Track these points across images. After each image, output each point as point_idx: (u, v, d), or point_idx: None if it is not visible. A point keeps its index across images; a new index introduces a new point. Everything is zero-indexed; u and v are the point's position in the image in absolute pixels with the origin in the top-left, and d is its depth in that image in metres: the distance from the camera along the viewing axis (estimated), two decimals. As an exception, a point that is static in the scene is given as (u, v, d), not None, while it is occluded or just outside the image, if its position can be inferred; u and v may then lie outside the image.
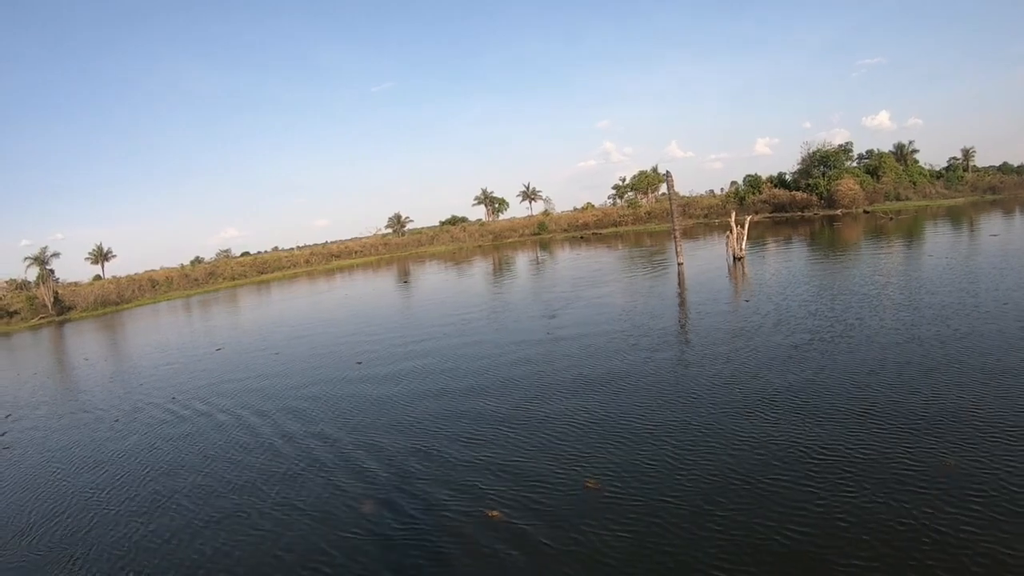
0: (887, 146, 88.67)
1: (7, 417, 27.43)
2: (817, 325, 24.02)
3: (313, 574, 11.03)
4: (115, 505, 15.65)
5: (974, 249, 39.30)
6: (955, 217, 58.54)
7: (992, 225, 50.89)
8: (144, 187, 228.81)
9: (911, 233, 51.15)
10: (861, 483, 11.33)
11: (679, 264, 46.01)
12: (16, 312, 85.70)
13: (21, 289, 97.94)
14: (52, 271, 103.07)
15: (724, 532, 10.42)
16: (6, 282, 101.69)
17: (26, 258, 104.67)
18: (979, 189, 74.79)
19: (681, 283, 40.11)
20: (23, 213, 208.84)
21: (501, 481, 13.56)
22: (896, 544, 9.48)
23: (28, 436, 23.91)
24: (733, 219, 46.42)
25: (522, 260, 76.79)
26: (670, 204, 49.56)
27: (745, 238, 45.99)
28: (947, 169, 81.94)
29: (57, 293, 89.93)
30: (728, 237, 46.47)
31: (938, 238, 47.54)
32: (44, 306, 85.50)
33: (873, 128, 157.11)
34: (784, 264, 42.96)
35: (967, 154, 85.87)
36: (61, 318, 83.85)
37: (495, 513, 12.15)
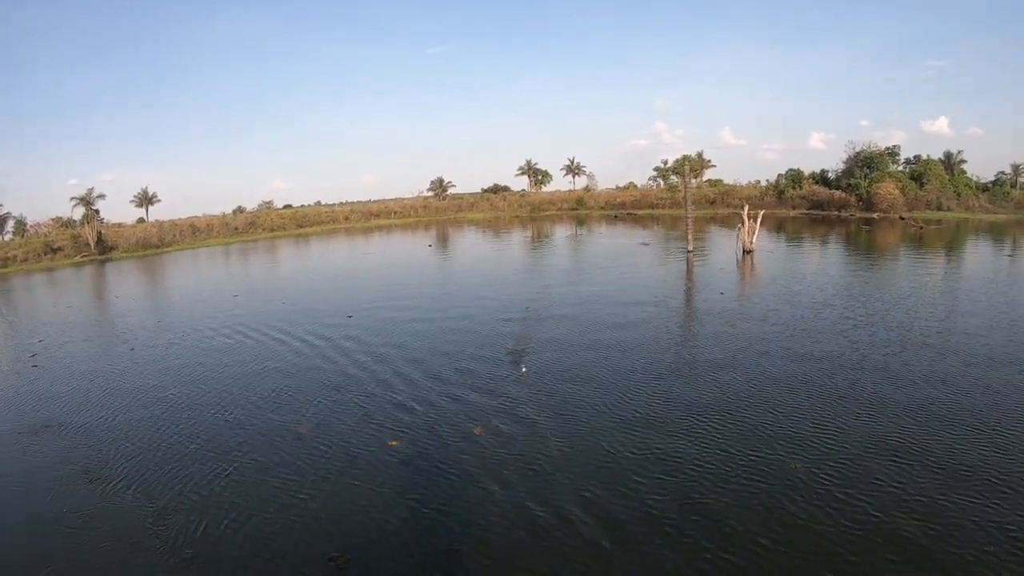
0: (939, 153, 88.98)
1: (40, 341, 33.48)
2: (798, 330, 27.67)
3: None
4: (111, 403, 22.21)
5: (977, 272, 41.15)
6: (990, 234, 59.98)
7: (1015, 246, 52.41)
8: (195, 134, 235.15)
9: (934, 245, 53.16)
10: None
11: (688, 252, 49.12)
12: (60, 249, 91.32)
13: (66, 227, 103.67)
14: (97, 211, 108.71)
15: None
16: (52, 220, 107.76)
17: (72, 198, 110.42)
18: (1023, 207, 75.12)
19: (688, 271, 43.41)
20: (73, 152, 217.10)
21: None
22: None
23: (55, 355, 30.15)
24: (745, 212, 49.14)
25: (544, 234, 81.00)
26: (684, 193, 52.49)
27: (757, 232, 48.60)
28: (994, 183, 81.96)
29: (100, 233, 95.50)
30: (739, 229, 49.12)
31: (955, 255, 49.43)
32: (87, 245, 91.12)
33: (931, 133, 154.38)
34: (794, 263, 45.96)
35: (1017, 170, 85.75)
36: (103, 257, 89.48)
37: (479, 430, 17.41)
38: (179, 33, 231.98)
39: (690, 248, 49.84)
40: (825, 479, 13.68)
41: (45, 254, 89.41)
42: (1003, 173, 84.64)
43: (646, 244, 57.50)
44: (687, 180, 54.13)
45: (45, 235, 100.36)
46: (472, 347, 25.80)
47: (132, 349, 30.13)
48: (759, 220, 49.94)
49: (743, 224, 48.88)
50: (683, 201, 52.88)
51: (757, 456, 14.93)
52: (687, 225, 50.61)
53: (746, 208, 50.30)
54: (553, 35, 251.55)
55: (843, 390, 18.79)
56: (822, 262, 44.96)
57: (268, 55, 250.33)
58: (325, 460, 16.18)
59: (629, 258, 51.40)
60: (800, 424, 16.59)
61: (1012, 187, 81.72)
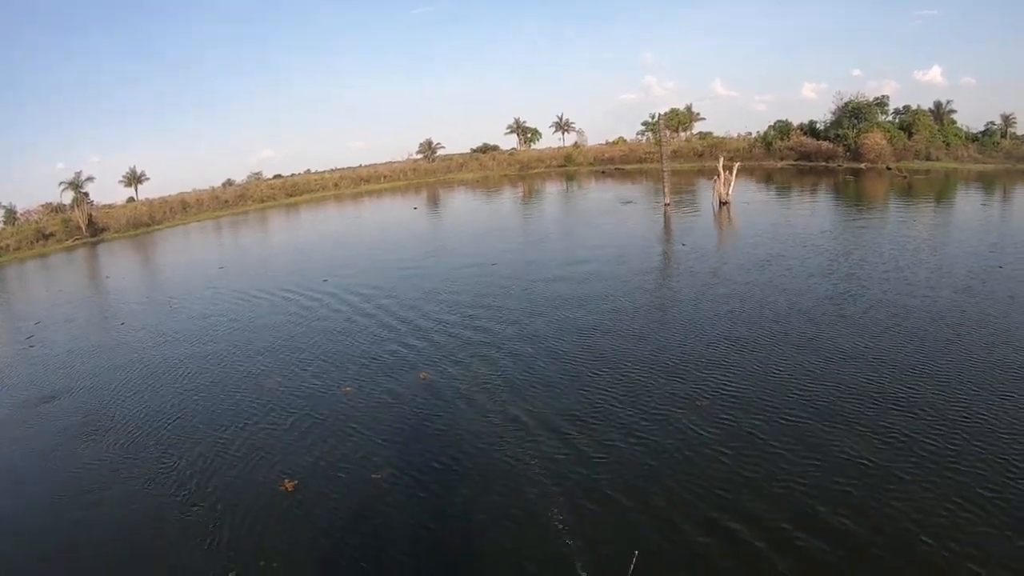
0: (930, 103, 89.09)
1: (36, 324, 35.30)
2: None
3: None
4: (103, 373, 25.23)
5: (948, 221, 42.09)
6: (976, 184, 60.82)
7: (996, 196, 53.23)
8: (181, 109, 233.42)
9: (915, 195, 54.12)
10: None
11: (666, 205, 50.03)
12: (52, 234, 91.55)
13: (57, 212, 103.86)
14: (87, 194, 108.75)
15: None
16: (42, 206, 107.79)
17: (61, 182, 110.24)
18: (1013, 157, 75.46)
19: (667, 224, 44.61)
20: (58, 137, 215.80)
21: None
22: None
23: (50, 336, 32.00)
24: (720, 164, 49.98)
25: (530, 193, 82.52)
26: (660, 147, 53.20)
27: (732, 183, 49.52)
28: (983, 133, 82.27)
29: (91, 215, 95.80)
30: (715, 181, 49.92)
31: (930, 206, 50.46)
32: (78, 228, 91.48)
33: (924, 83, 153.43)
34: (768, 214, 47.13)
35: (1007, 120, 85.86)
36: (95, 239, 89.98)
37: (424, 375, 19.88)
38: (157, 7, 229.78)
39: (667, 201, 50.79)
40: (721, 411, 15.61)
41: (37, 241, 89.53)
42: (992, 123, 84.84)
43: (628, 202, 58.34)
44: (662, 134, 54.81)
45: (36, 222, 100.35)
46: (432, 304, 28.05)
47: (122, 324, 32.23)
48: (734, 172, 50.88)
49: (719, 176, 49.78)
50: (660, 155, 53.38)
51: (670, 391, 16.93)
52: (664, 179, 51.54)
53: (721, 160, 51.28)
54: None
55: (763, 341, 20.40)
56: (795, 213, 46.01)
57: (248, 21, 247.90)
58: (290, 402, 18.87)
59: (610, 216, 52.54)
60: (710, 371, 18.39)
61: (1002, 137, 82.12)
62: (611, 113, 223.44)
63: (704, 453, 13.68)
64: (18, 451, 18.45)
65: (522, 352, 20.90)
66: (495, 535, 12.02)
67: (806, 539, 10.85)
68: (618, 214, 51.91)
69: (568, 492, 12.83)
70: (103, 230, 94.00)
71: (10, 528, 14.37)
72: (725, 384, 17.05)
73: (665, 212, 49.11)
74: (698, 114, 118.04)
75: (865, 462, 12.80)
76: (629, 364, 19.03)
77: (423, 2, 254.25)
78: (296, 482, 14.20)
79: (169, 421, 18.85)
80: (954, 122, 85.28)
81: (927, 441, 13.33)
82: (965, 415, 14.19)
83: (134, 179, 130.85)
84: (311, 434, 16.71)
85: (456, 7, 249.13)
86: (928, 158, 78.37)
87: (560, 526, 11.81)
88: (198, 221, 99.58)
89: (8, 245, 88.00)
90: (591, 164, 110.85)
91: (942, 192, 55.76)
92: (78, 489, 15.50)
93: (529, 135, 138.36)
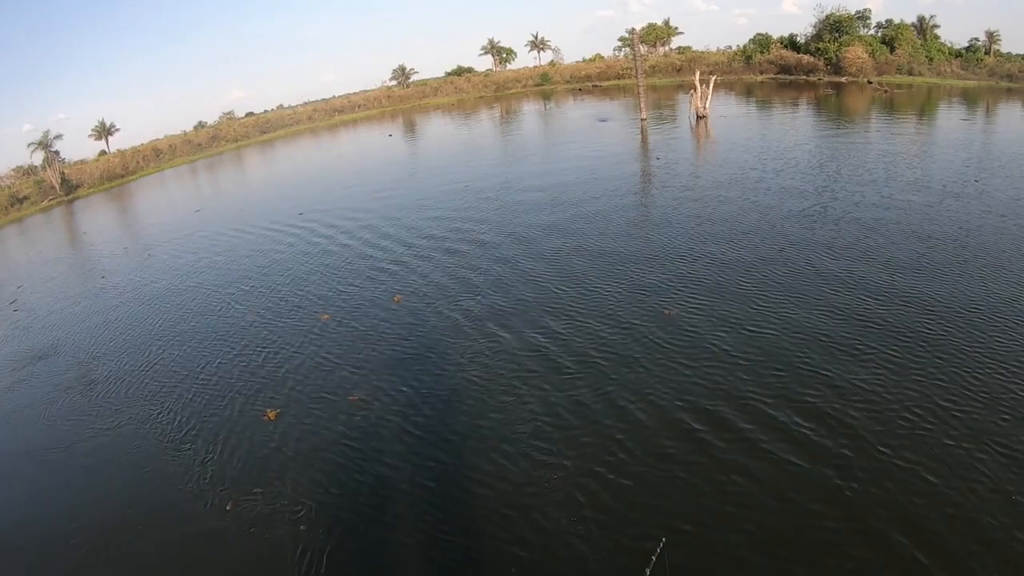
0: (914, 18, 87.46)
1: (19, 287, 34.23)
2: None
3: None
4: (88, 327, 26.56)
5: (927, 136, 41.71)
6: (958, 100, 60.14)
7: (977, 113, 52.67)
8: (146, 55, 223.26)
9: (897, 109, 53.38)
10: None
11: (642, 120, 49.11)
12: (26, 197, 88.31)
13: (28, 175, 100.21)
14: (57, 152, 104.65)
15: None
16: (13, 170, 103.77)
17: (30, 144, 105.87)
18: (996, 75, 74.62)
19: (643, 139, 43.83)
20: (22, 97, 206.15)
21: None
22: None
23: (33, 297, 31.13)
24: (697, 78, 48.92)
25: (506, 113, 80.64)
26: (635, 61, 51.91)
27: (709, 97, 48.53)
28: (967, 49, 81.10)
29: (64, 174, 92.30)
30: (692, 95, 48.95)
31: (910, 120, 49.81)
32: (52, 188, 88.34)
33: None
34: (743, 128, 46.21)
35: (992, 37, 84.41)
36: (70, 197, 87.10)
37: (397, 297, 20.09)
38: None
39: (643, 116, 49.74)
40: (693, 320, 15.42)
41: (12, 206, 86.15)
42: (976, 39, 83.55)
43: (604, 120, 57.12)
44: (636, 49, 53.40)
45: (8, 187, 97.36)
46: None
47: (103, 277, 31.71)
48: (711, 86, 49.77)
49: (695, 90, 48.67)
50: (634, 71, 52.12)
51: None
52: (640, 94, 50.30)
53: (697, 74, 50.18)
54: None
55: (730, 254, 20.16)
56: (773, 127, 45.32)
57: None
58: (269, 335, 19.20)
59: (586, 133, 51.42)
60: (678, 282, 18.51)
61: (986, 54, 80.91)
62: (588, 30, 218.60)
63: (669, 364, 13.64)
64: (15, 409, 18.28)
65: (493, 270, 20.80)
66: (471, 446, 12.20)
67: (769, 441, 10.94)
68: (594, 131, 50.74)
69: (544, 401, 13.11)
70: (77, 187, 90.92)
71: (15, 480, 14.51)
72: (691, 295, 16.92)
73: (641, 127, 48.10)
74: (676, 28, 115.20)
75: (826, 372, 12.69)
76: (597, 278, 18.92)
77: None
78: (278, 411, 14.57)
79: (155, 366, 18.86)
80: (937, 37, 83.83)
81: (890, 353, 13.21)
82: (929, 329, 14.04)
83: (104, 131, 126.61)
84: (289, 364, 16.94)
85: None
86: (910, 73, 77.28)
87: (536, 439, 12.00)
88: (173, 167, 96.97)
89: None
90: (568, 82, 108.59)
91: (923, 107, 55.03)
92: (76, 437, 15.63)
93: (504, 55, 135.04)
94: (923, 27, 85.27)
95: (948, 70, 77.23)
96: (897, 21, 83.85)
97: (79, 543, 11.49)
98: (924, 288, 15.94)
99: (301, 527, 10.73)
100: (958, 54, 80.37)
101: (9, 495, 13.79)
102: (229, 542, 10.76)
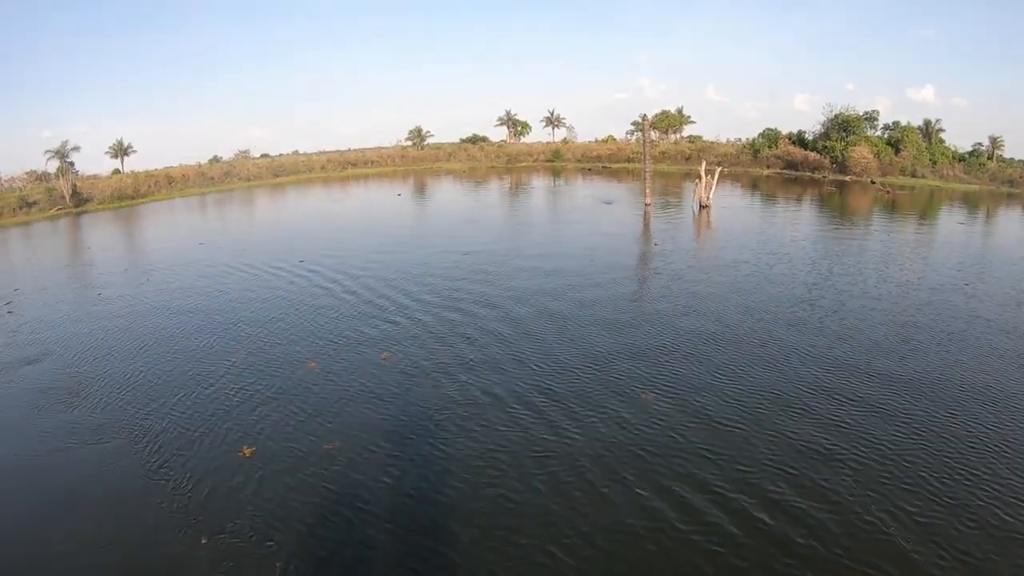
0: (920, 121, 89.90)
1: (16, 291, 34.83)
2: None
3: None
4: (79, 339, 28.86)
5: (924, 238, 42.78)
6: (959, 203, 61.49)
7: (976, 217, 53.80)
8: (170, 83, 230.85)
9: (898, 210, 54.72)
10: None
11: (646, 205, 50.29)
12: (35, 203, 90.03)
13: (41, 181, 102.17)
14: (72, 163, 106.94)
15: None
16: (26, 173, 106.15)
17: (47, 151, 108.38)
18: (997, 180, 76.24)
19: (646, 224, 44.91)
20: (46, 104, 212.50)
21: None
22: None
23: (29, 303, 31.58)
24: (703, 168, 50.26)
25: (515, 187, 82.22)
26: (644, 147, 53.41)
27: (713, 188, 49.78)
28: (970, 154, 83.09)
29: (75, 186, 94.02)
30: (696, 185, 50.24)
31: (910, 222, 50.95)
32: (62, 198, 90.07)
33: (917, 101, 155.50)
34: (743, 220, 47.23)
35: (995, 142, 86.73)
36: (78, 210, 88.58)
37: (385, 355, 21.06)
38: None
39: (648, 201, 51.01)
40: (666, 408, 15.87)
41: (20, 208, 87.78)
42: (980, 144, 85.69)
43: (609, 203, 58.24)
44: (646, 135, 55.09)
45: (20, 189, 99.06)
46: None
47: (100, 294, 32.06)
48: (716, 177, 51.11)
49: (700, 180, 49.99)
50: (642, 156, 53.66)
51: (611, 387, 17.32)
52: (645, 179, 51.69)
53: (703, 164, 51.62)
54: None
55: (696, 346, 21.00)
56: (773, 221, 46.32)
57: (246, 3, 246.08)
58: (255, 375, 19.50)
59: (590, 213, 52.80)
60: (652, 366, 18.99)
61: (988, 158, 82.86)
62: (603, 111, 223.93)
63: (637, 450, 13.98)
64: (1, 411, 18.62)
65: (480, 340, 21.20)
66: (440, 502, 12.56)
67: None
68: (598, 212, 51.91)
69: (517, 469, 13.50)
70: (87, 201, 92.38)
71: None
72: (668, 383, 17.32)
73: (645, 212, 49.26)
74: (688, 117, 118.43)
75: (791, 470, 13.03)
76: (578, 358, 19.31)
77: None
78: (254, 448, 14.87)
79: (139, 388, 19.20)
80: (942, 141, 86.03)
81: (858, 455, 13.56)
82: (899, 434, 14.36)
83: (120, 151, 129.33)
84: (270, 404, 17.28)
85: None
86: (914, 175, 79.03)
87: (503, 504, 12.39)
88: (183, 196, 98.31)
89: None
90: (579, 161, 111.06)
91: (924, 209, 56.31)
92: (53, 447, 15.94)
93: (519, 128, 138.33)
94: (929, 130, 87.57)
95: (951, 173, 79.04)
96: (904, 123, 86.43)
97: (46, 551, 11.78)
98: (898, 395, 16.24)
99: (270, 561, 11.08)
100: (961, 158, 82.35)
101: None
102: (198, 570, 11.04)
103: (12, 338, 25.54)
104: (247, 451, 14.77)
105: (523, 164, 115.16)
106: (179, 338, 23.74)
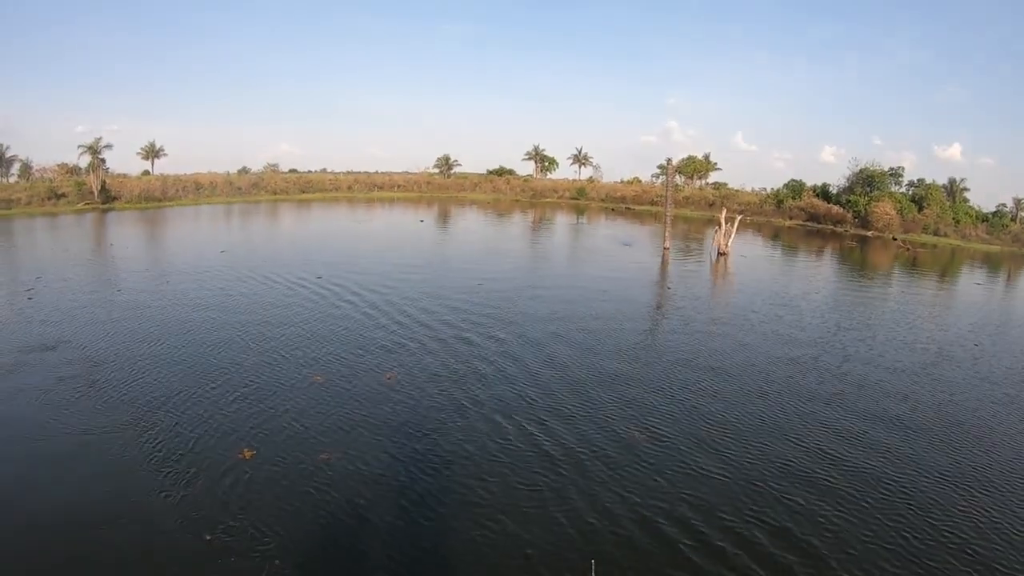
0: (947, 178, 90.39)
1: (37, 279, 35.91)
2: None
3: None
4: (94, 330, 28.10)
5: (940, 299, 43.06)
6: (980, 264, 61.64)
7: (995, 278, 54.02)
8: (205, 91, 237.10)
9: (917, 268, 54.88)
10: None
11: (664, 249, 51.08)
12: (64, 195, 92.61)
13: (71, 174, 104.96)
14: (103, 160, 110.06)
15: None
16: (58, 166, 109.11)
17: (80, 145, 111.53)
18: (1020, 241, 76.20)
19: (663, 267, 45.69)
20: (82, 100, 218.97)
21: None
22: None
23: (49, 292, 32.60)
24: (723, 216, 50.88)
25: (537, 222, 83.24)
26: (666, 191, 54.31)
27: (732, 236, 50.42)
28: (994, 214, 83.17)
29: (105, 182, 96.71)
30: (716, 232, 50.94)
31: (928, 281, 51.22)
32: (91, 193, 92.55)
33: (943, 159, 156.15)
34: (759, 269, 47.89)
35: (1019, 204, 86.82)
36: (105, 206, 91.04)
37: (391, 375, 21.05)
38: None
39: (666, 246, 51.77)
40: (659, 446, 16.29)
41: (48, 199, 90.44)
42: (1004, 205, 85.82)
43: (628, 245, 59.01)
44: (670, 180, 56.00)
45: (50, 180, 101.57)
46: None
47: (119, 290, 33.12)
48: (735, 225, 51.77)
49: (720, 227, 50.70)
50: (663, 200, 54.58)
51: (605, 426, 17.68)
52: (666, 223, 52.55)
53: (723, 212, 52.29)
54: (570, 25, 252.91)
55: (693, 391, 21.45)
56: (789, 272, 46.86)
57: (287, 19, 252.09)
58: (262, 382, 20.03)
59: (609, 253, 53.87)
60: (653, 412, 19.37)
61: (1012, 220, 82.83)
62: (630, 152, 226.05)
63: (621, 490, 14.27)
64: (17, 392, 19.27)
65: (482, 368, 21.69)
66: (438, 516, 13.01)
67: None
68: (617, 252, 52.63)
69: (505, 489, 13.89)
70: (115, 198, 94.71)
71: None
72: (661, 425, 17.65)
73: (663, 256, 50.01)
74: (715, 164, 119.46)
75: (770, 521, 13.27)
76: (575, 396, 19.65)
77: (456, 20, 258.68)
78: (254, 452, 15.42)
79: (149, 383, 19.90)
80: (966, 200, 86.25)
81: (837, 513, 13.79)
82: (879, 497, 14.51)
83: (152, 153, 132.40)
84: (274, 412, 17.83)
85: (488, 29, 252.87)
86: (936, 233, 79.18)
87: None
88: (209, 204, 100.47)
89: (20, 199, 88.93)
90: (603, 200, 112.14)
91: (943, 268, 56.54)
92: (64, 430, 16.63)
93: (546, 163, 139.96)
94: (953, 189, 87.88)
95: (973, 233, 79.16)
96: (929, 181, 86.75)
97: (46, 532, 12.35)
98: (886, 456, 16.44)
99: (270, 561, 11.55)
100: (984, 218, 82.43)
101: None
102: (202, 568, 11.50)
103: (32, 325, 26.39)
104: (247, 453, 15.34)
105: (547, 200, 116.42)
106: (191, 339, 24.56)
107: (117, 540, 12.17)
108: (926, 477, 15.45)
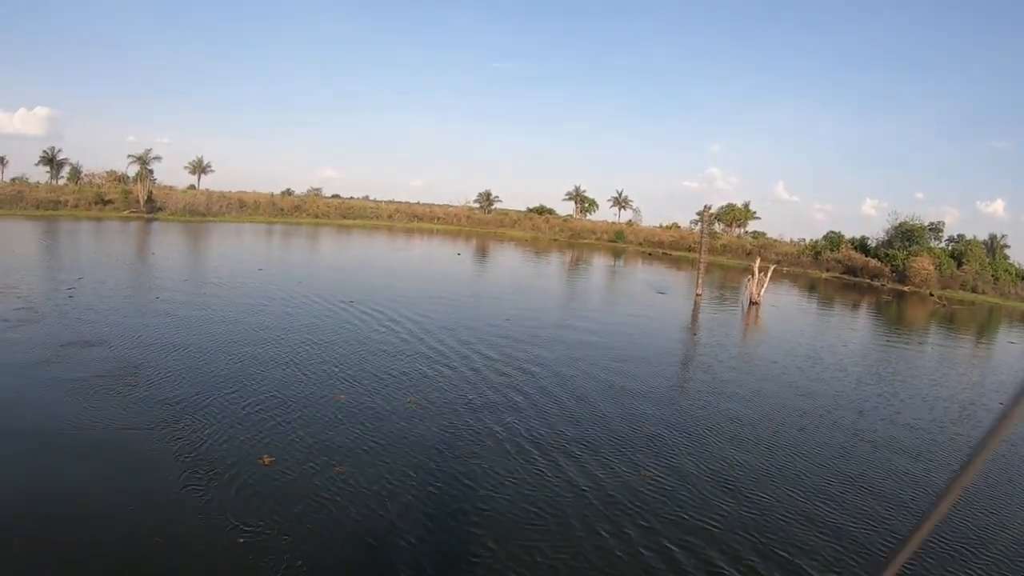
0: (986, 235, 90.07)
1: (79, 279, 38.24)
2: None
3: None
4: (131, 332, 27.92)
5: (971, 356, 43.27)
6: (1017, 322, 61.43)
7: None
8: (255, 111, 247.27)
9: (954, 325, 55.02)
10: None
11: (697, 295, 52.02)
12: (111, 201, 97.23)
13: (120, 182, 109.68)
14: (151, 171, 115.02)
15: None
16: (107, 172, 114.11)
17: (129, 155, 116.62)
18: (1060, 299, 75.75)
19: (695, 314, 46.53)
20: (135, 111, 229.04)
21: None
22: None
23: (90, 292, 34.76)
24: (756, 266, 51.72)
25: (572, 260, 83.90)
26: (701, 238, 55.31)
27: (765, 285, 51.15)
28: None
29: (151, 192, 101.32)
30: (749, 281, 51.77)
31: (962, 339, 51.31)
32: (136, 201, 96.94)
33: (986, 215, 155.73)
34: (791, 321, 48.28)
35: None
36: (150, 216, 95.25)
37: (411, 399, 22.33)
38: (254, 9, 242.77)
39: (699, 292, 52.69)
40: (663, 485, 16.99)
41: (95, 204, 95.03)
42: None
43: (663, 293, 59.82)
44: (705, 227, 57.05)
45: (98, 186, 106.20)
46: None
47: (157, 297, 34.90)
48: (768, 274, 52.51)
49: (753, 276, 51.53)
50: (699, 247, 55.62)
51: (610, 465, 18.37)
52: (699, 270, 53.55)
53: (757, 261, 53.17)
54: (617, 68, 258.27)
55: (701, 437, 22.01)
56: (820, 325, 47.29)
57: (338, 45, 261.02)
58: (286, 395, 20.80)
59: (642, 297, 55.04)
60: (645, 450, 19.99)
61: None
62: (672, 197, 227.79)
63: (628, 528, 14.58)
64: (55, 383, 20.52)
65: (499, 399, 22.32)
66: (443, 528, 13.51)
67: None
68: (650, 297, 53.52)
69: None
70: (160, 209, 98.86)
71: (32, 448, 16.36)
72: (664, 466, 17.87)
73: (695, 302, 50.97)
74: (754, 212, 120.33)
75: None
76: (587, 422, 19.98)
77: (505, 57, 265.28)
78: (273, 459, 16.23)
79: (181, 385, 20.97)
80: (1007, 258, 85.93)
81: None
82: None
83: (199, 168, 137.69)
84: (296, 423, 18.71)
85: (536, 67, 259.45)
86: (974, 290, 78.89)
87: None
88: (251, 222, 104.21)
89: (67, 201, 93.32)
90: (640, 244, 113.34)
91: (980, 326, 56.56)
92: (94, 422, 17.75)
93: (586, 204, 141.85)
94: (993, 245, 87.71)
95: (1012, 291, 78.75)
96: (969, 237, 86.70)
97: (72, 524, 13.09)
98: (887, 529, 16.71)
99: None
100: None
101: (15, 464, 15.48)
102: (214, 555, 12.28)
103: (72, 322, 28.01)
104: (267, 459, 16.21)
105: (585, 240, 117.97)
106: (223, 348, 25.74)
107: (140, 529, 13.00)
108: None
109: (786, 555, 14.03)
